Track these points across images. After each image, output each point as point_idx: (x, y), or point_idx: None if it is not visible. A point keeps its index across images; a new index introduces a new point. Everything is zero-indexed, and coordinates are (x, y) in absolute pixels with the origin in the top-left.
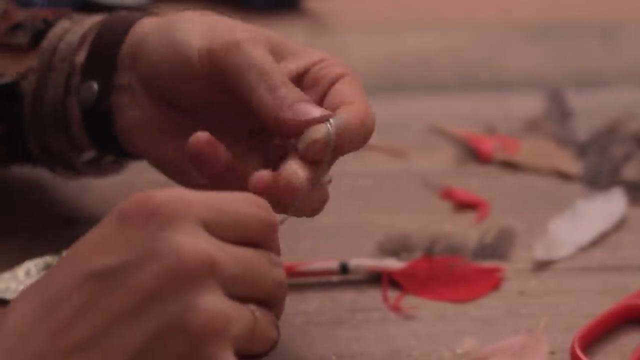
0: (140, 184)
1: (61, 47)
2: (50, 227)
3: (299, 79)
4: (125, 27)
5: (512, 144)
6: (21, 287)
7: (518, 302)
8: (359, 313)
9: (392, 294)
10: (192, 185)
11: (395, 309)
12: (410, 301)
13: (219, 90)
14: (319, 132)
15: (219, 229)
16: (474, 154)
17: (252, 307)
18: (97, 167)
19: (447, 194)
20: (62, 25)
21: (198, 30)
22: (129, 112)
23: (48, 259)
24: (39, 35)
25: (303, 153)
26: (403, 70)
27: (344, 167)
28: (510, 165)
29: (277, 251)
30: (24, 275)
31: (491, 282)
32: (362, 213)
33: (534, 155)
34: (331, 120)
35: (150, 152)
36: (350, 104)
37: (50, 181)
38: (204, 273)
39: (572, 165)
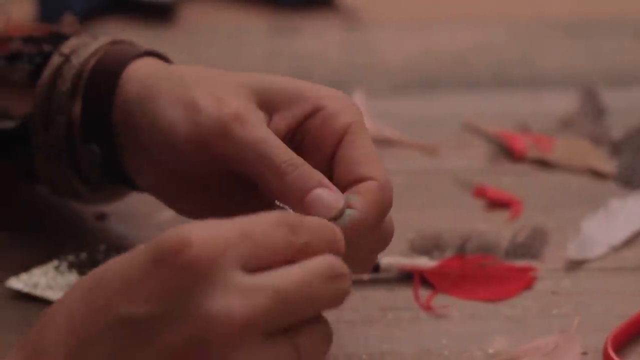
0: None
1: (54, 98)
2: (80, 222)
3: (296, 131)
4: (114, 83)
5: (545, 142)
6: (51, 283)
7: (550, 301)
8: (390, 312)
9: (424, 293)
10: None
11: (427, 308)
12: (441, 300)
13: (213, 168)
14: None
15: (258, 262)
16: (507, 152)
17: (295, 340)
18: (105, 194)
19: (479, 192)
20: (53, 62)
21: (180, 110)
22: (136, 175)
23: (82, 255)
24: (36, 71)
25: None
26: (436, 66)
27: None
28: (543, 164)
29: (337, 252)
30: (53, 271)
31: (523, 281)
32: (393, 211)
33: (567, 154)
34: (345, 214)
35: (166, 203)
36: (366, 185)
37: None
38: (239, 339)
39: (606, 163)
